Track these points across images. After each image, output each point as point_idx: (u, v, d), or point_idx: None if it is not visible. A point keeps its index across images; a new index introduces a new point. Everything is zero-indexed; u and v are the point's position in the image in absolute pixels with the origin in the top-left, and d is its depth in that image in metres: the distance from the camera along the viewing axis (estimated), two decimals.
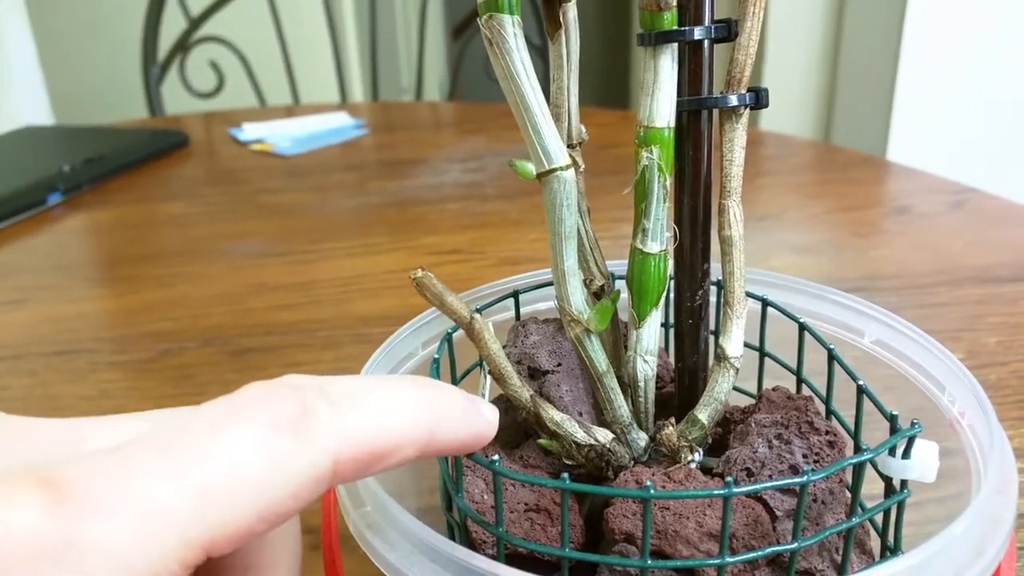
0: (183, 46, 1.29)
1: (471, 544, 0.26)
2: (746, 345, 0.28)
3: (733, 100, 0.26)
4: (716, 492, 0.21)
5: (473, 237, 0.72)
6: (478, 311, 0.27)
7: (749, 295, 0.31)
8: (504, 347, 0.30)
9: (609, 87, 3.32)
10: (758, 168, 0.87)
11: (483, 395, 0.31)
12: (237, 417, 0.16)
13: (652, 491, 0.21)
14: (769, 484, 0.22)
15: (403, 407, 0.19)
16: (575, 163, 0.28)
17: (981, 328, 0.53)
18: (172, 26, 1.28)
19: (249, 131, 1.06)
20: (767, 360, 0.33)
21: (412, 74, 1.54)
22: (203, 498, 0.15)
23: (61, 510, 0.14)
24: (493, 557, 0.25)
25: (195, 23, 1.28)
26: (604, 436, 0.27)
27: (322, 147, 1.01)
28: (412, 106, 1.29)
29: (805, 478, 0.21)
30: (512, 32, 0.24)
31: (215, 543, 0.15)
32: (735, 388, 0.30)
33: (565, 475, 0.22)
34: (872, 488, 0.27)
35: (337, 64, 1.42)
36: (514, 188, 0.83)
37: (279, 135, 1.05)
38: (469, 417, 0.21)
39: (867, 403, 0.27)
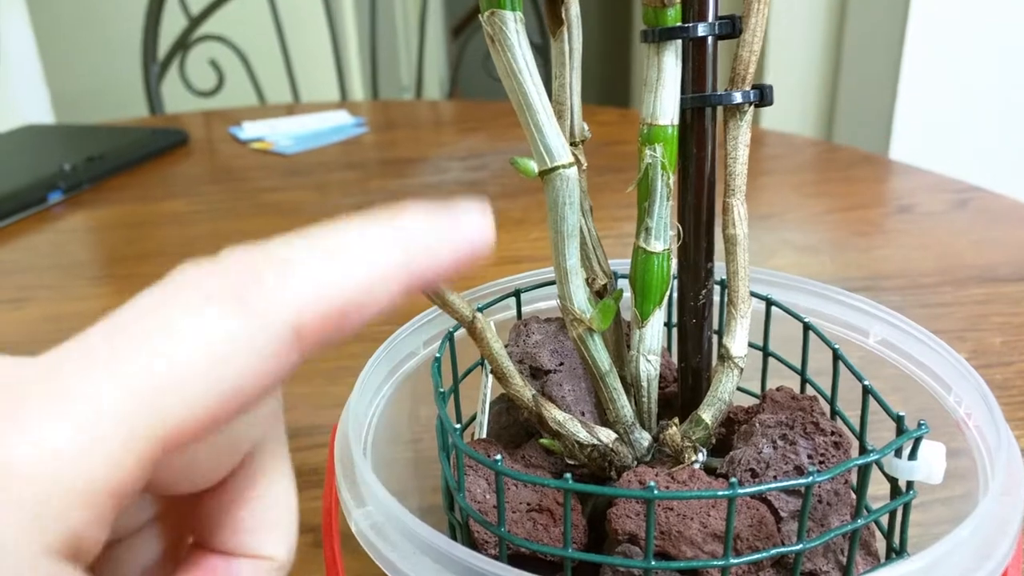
0: (183, 44, 1.29)
1: (473, 544, 0.26)
2: (750, 345, 0.28)
3: (737, 97, 0.26)
4: (720, 493, 0.21)
5: None
6: (480, 310, 0.27)
7: (753, 294, 0.31)
8: (506, 346, 0.30)
9: (612, 84, 3.32)
10: (760, 167, 0.87)
11: (485, 395, 0.31)
12: (173, 299, 0.14)
13: (655, 491, 0.21)
14: (774, 485, 0.21)
15: (362, 247, 0.16)
16: (578, 161, 0.27)
17: (986, 328, 0.53)
18: (172, 24, 1.28)
19: (249, 129, 1.06)
20: (771, 360, 0.33)
21: (412, 72, 1.54)
22: (146, 388, 0.13)
23: None
24: (495, 557, 0.24)
25: (195, 21, 1.28)
26: (607, 436, 0.27)
27: (322, 145, 1.01)
28: (412, 104, 1.29)
29: (810, 479, 0.21)
30: (514, 28, 0.24)
31: (169, 437, 0.14)
32: (739, 388, 0.30)
33: (567, 475, 0.22)
34: (878, 489, 0.27)
35: (337, 62, 1.42)
36: (516, 186, 0.83)
37: (279, 133, 1.04)
38: (451, 228, 0.17)
39: (873, 403, 0.27)
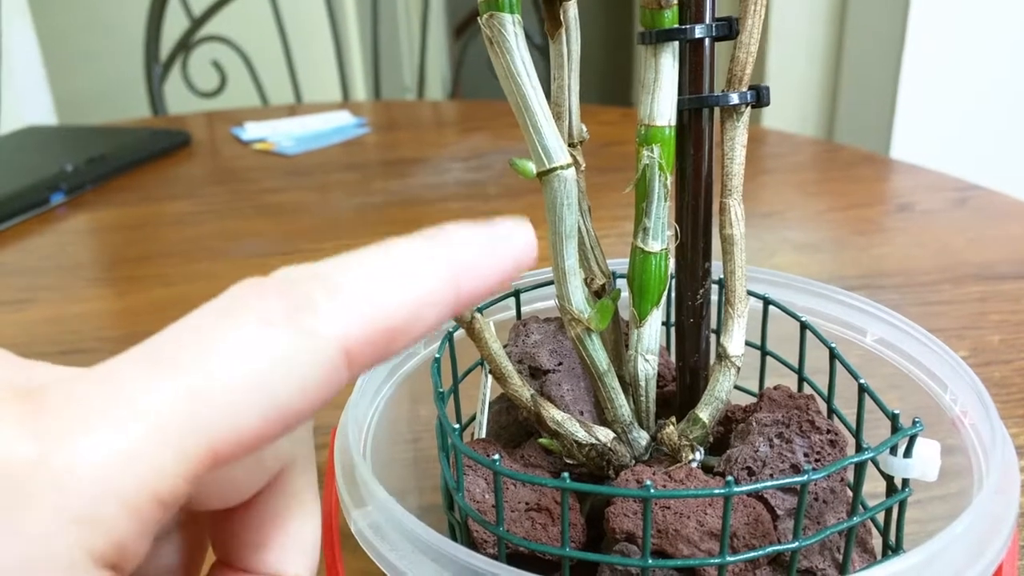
0: (185, 45, 1.29)
1: (472, 544, 0.26)
2: (748, 344, 0.28)
3: (734, 98, 0.26)
4: (717, 491, 0.21)
5: None
6: (479, 310, 0.27)
7: (751, 294, 0.31)
8: (505, 346, 0.30)
9: (613, 84, 3.32)
10: (761, 166, 0.87)
11: (484, 395, 0.31)
12: (227, 316, 0.15)
13: (652, 490, 0.21)
14: (770, 483, 0.22)
15: (410, 269, 0.16)
16: (576, 162, 0.28)
17: (985, 326, 0.53)
18: (174, 25, 1.28)
19: (251, 130, 1.06)
20: (769, 359, 0.33)
21: (414, 72, 1.54)
22: (196, 403, 0.13)
23: (37, 425, 0.13)
24: (494, 557, 0.25)
25: (197, 22, 1.29)
26: (605, 435, 0.27)
27: (324, 146, 1.01)
28: (414, 104, 1.29)
29: (806, 477, 0.21)
30: (512, 31, 0.24)
31: (219, 451, 0.14)
32: (736, 387, 0.30)
33: (565, 474, 0.22)
34: (874, 486, 0.27)
35: (339, 63, 1.42)
36: (517, 186, 0.83)
37: (281, 134, 1.05)
38: (496, 246, 0.18)
39: (869, 402, 0.27)
